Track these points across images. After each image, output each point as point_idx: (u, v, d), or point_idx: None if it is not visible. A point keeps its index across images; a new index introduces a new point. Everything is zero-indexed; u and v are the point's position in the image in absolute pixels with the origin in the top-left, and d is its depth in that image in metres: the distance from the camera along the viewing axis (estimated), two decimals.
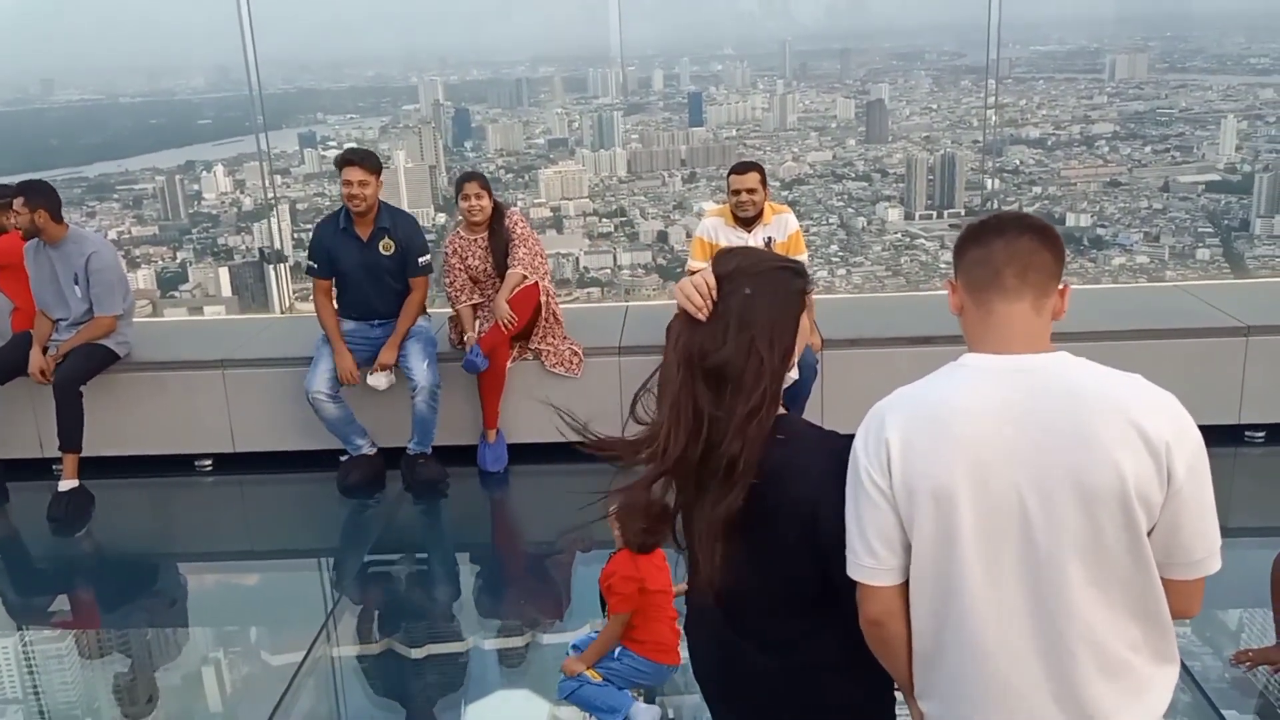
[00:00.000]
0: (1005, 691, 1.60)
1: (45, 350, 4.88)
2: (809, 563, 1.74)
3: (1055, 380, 1.58)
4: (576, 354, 5.00)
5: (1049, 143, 10.05)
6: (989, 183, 10.22)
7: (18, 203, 4.74)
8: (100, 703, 3.70)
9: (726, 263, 1.77)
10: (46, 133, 10.64)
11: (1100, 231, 9.75)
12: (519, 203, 11.62)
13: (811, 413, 4.71)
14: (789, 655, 1.81)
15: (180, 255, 11.13)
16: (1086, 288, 6.80)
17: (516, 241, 4.97)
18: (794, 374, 3.76)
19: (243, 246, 11.23)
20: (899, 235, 10.42)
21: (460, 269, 5.04)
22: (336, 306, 5.00)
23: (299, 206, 10.91)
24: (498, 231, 5.00)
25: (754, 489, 1.70)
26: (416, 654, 3.78)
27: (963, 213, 10.27)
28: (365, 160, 4.77)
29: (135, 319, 5.20)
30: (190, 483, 5.14)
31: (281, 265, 10.81)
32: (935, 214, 10.32)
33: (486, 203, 4.96)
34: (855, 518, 1.65)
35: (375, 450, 4.98)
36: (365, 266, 4.89)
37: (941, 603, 1.62)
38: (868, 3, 10.92)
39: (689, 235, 10.75)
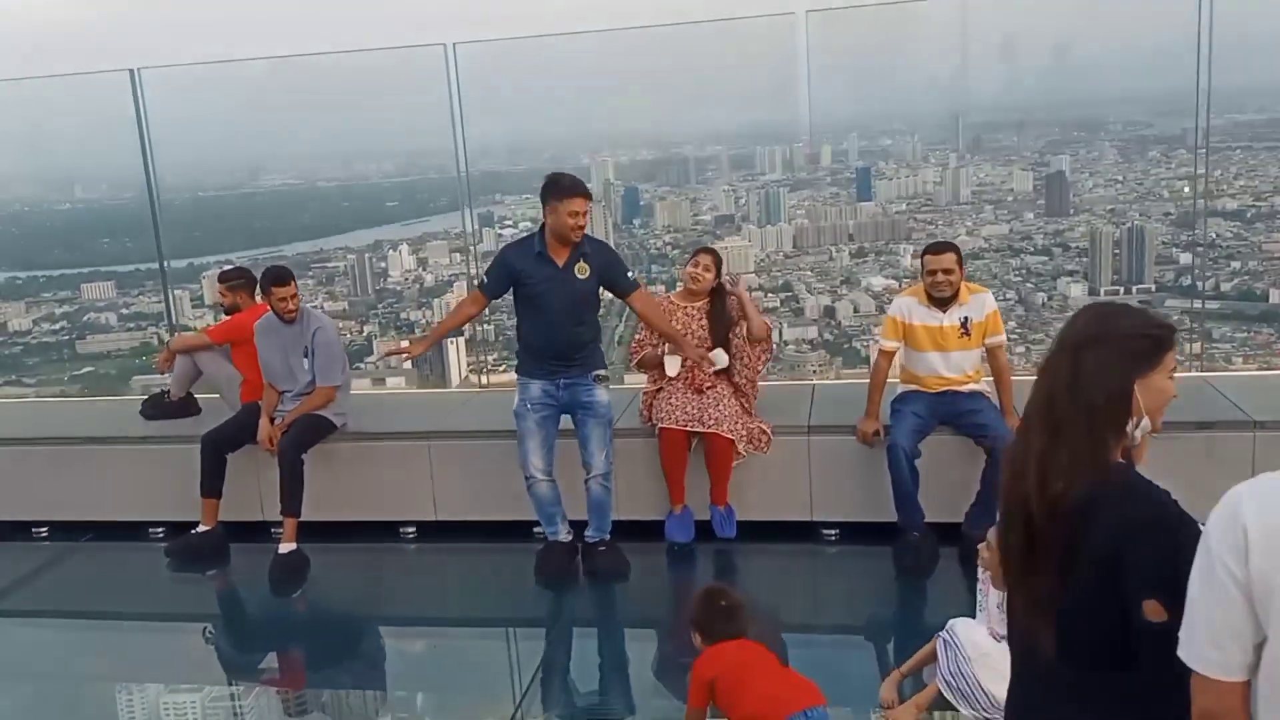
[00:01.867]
0: None
1: (272, 420, 5.19)
2: (1107, 610, 1.80)
3: None
4: (765, 432, 4.99)
5: (1248, 214, 9.57)
6: (1181, 257, 9.79)
7: (221, 287, 5.37)
8: None
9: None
10: (253, 215, 11.43)
11: None
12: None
13: None
14: (1083, 705, 1.88)
15: (366, 329, 11.71)
16: None
17: (736, 319, 5.07)
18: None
19: (423, 320, 11.76)
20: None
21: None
22: (520, 355, 4.92)
23: (475, 283, 11.33)
24: (719, 306, 5.03)
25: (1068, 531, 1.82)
26: None
27: (1153, 288, 9.85)
28: (586, 188, 4.69)
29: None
30: (395, 549, 5.33)
31: (460, 339, 11.26)
32: (1123, 289, 9.93)
33: (711, 277, 5.06)
34: (1203, 608, 1.58)
35: (570, 536, 4.97)
36: (559, 291, 4.69)
37: None
38: (1045, 74, 10.71)
39: (856, 310, 10.68)
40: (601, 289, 4.85)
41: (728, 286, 5.07)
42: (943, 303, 4.71)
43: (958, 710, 3.44)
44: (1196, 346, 9.57)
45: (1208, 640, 1.57)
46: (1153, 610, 1.75)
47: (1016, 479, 1.91)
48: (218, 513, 5.27)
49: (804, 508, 5.00)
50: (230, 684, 4.41)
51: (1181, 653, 1.60)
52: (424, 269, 12.16)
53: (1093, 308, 2.00)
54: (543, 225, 4.71)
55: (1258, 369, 7.68)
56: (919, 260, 4.79)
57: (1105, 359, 1.85)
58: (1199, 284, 9.39)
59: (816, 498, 4.99)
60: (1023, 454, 1.90)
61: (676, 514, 5.00)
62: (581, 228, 4.63)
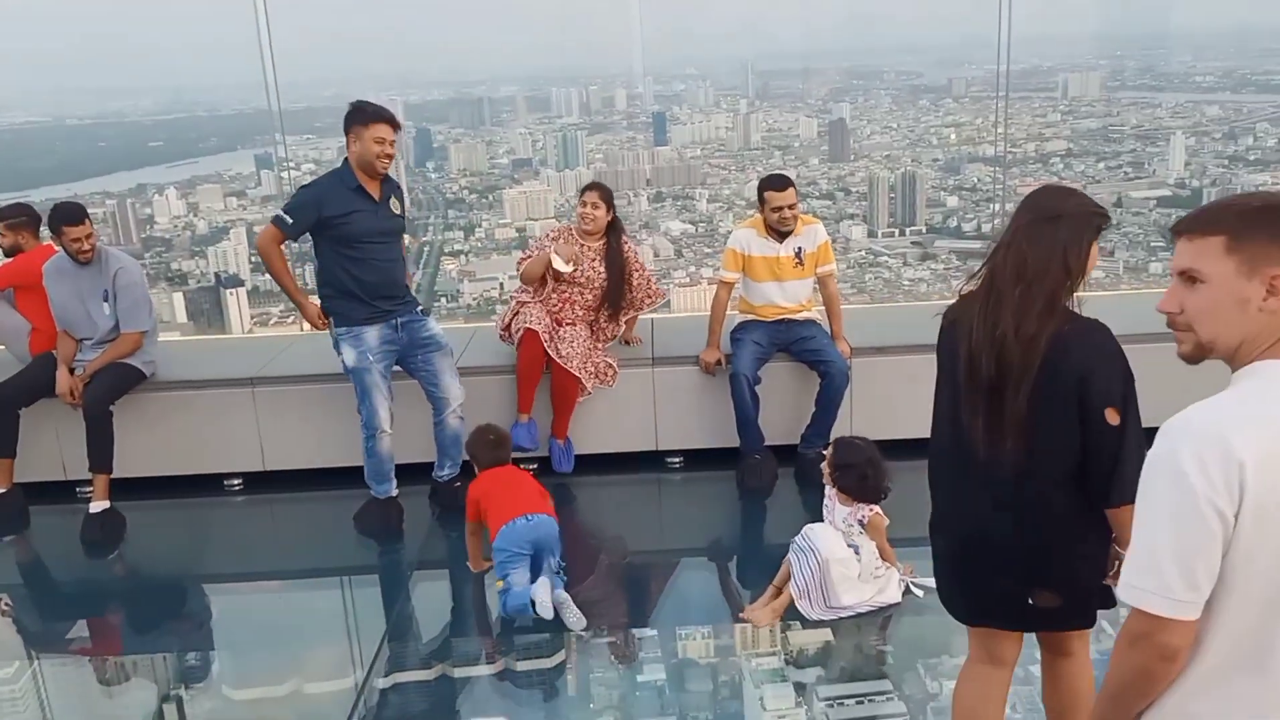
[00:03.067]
0: None
1: (71, 371, 4.70)
2: (1072, 424, 2.19)
3: None
4: (611, 366, 5.00)
5: (1006, 160, 10.43)
6: (949, 200, 10.58)
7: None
8: None
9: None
10: None
11: None
12: (484, 223, 11.59)
13: (841, 417, 4.81)
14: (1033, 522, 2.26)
15: None
16: None
17: (632, 268, 4.99)
18: None
19: (197, 270, 10.97)
20: (863, 253, 10.69)
21: (545, 247, 4.95)
22: (333, 303, 4.46)
23: (255, 229, 10.72)
24: (615, 247, 4.93)
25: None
26: (460, 673, 3.68)
27: (924, 230, 10.60)
28: (391, 115, 4.31)
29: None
30: (220, 502, 4.98)
31: (239, 289, 10.58)
32: (898, 231, 10.62)
33: (603, 215, 4.88)
34: (1176, 549, 1.50)
35: (396, 491, 4.71)
36: (381, 227, 4.39)
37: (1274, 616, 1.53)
38: (825, 25, 11.20)
39: (656, 254, 10.86)
40: None
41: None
42: (780, 234, 4.85)
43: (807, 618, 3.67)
44: (962, 283, 10.38)
45: (1182, 583, 1.50)
46: (1112, 415, 2.17)
47: (990, 324, 2.25)
48: (12, 474, 4.73)
49: (649, 438, 5.08)
50: (32, 658, 4.00)
51: (1144, 602, 1.52)
52: (195, 214, 11.34)
53: (1050, 189, 2.33)
54: (346, 159, 4.36)
55: None
56: (758, 194, 4.87)
57: (1075, 228, 2.22)
58: (964, 225, 10.25)
59: (661, 427, 5.07)
60: (996, 306, 2.25)
61: (523, 423, 4.92)
62: (390, 156, 4.32)
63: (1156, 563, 1.51)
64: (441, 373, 4.59)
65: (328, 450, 4.92)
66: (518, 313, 4.97)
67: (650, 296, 5.15)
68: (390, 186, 4.47)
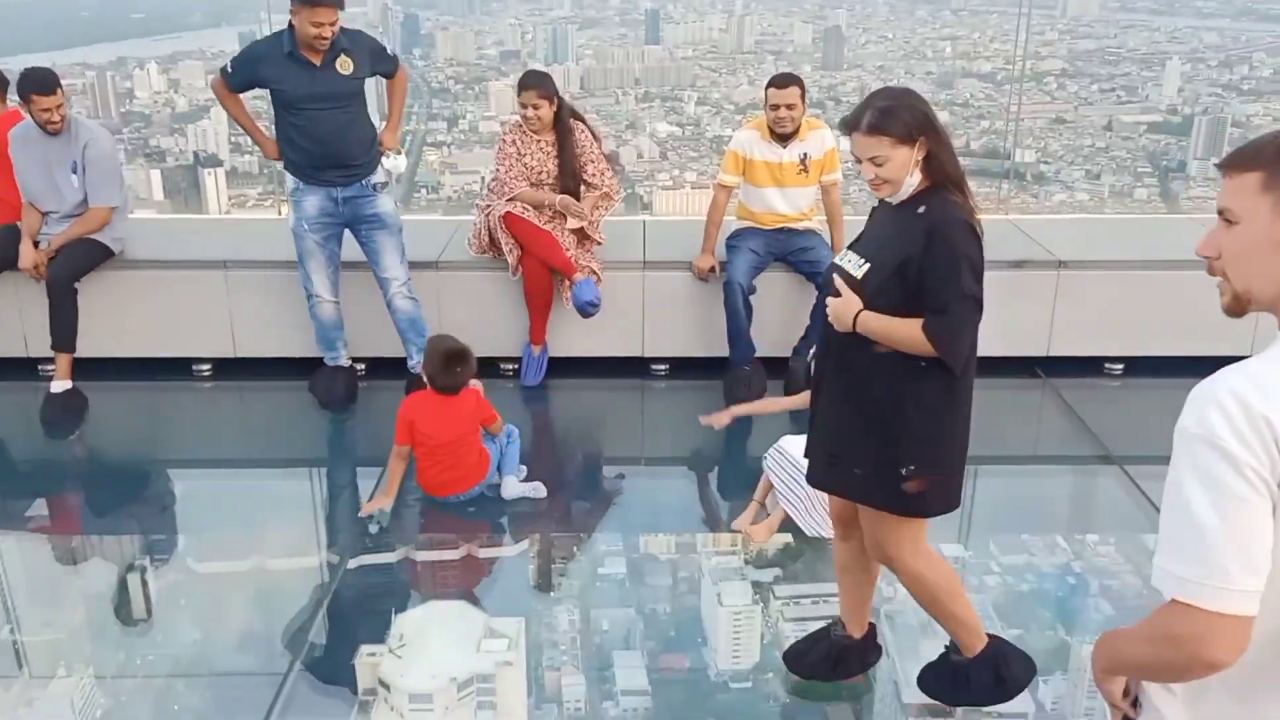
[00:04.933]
0: None
1: (36, 244, 4.67)
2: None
3: None
4: (595, 273, 4.88)
5: (999, 77, 10.29)
6: (941, 115, 10.47)
7: None
8: (85, 608, 3.56)
9: None
10: None
11: (1044, 168, 10.07)
12: (469, 115, 11.39)
13: None
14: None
15: None
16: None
17: (587, 158, 4.77)
18: None
19: (176, 149, 10.80)
20: (847, 164, 10.59)
21: (517, 160, 4.75)
22: (284, 164, 4.52)
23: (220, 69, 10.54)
24: (564, 138, 4.74)
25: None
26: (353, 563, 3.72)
27: None
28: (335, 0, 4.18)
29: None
30: (188, 387, 5.00)
31: (217, 169, 10.44)
32: None
33: (545, 112, 4.67)
34: (1226, 529, 1.29)
35: (350, 363, 4.77)
36: (320, 96, 4.31)
37: None
38: None
39: (640, 155, 10.74)
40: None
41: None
42: (783, 138, 4.73)
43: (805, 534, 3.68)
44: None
45: (1243, 570, 1.29)
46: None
47: None
48: None
49: (635, 343, 5.03)
50: None
51: (1197, 595, 1.30)
52: (176, 91, 11.11)
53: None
54: (290, 24, 4.24)
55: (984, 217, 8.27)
56: (763, 92, 4.72)
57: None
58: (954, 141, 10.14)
59: (648, 334, 5.01)
60: None
61: (535, 355, 4.84)
62: (326, 39, 4.21)
63: (1206, 547, 1.30)
64: (382, 251, 4.53)
65: (302, 339, 4.87)
66: (489, 214, 4.85)
67: (608, 195, 4.90)
68: (339, 48, 4.29)
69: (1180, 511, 1.33)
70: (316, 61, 4.27)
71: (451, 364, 3.80)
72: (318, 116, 4.34)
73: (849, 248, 2.60)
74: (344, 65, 4.32)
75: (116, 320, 4.85)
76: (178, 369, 4.99)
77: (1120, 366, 5.04)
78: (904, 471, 2.50)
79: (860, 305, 2.44)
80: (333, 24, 4.17)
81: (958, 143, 10.42)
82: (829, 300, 2.51)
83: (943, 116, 10.50)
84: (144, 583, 3.71)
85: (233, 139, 10.62)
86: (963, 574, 3.57)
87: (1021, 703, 2.88)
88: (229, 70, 4.42)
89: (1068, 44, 9.94)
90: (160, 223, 6.19)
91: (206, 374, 5.02)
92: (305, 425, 4.78)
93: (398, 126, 4.75)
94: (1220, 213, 1.47)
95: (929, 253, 2.39)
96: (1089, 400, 4.79)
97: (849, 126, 2.43)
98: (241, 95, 4.52)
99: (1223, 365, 1.39)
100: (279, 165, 4.66)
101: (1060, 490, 4.55)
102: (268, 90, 4.43)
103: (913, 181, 2.43)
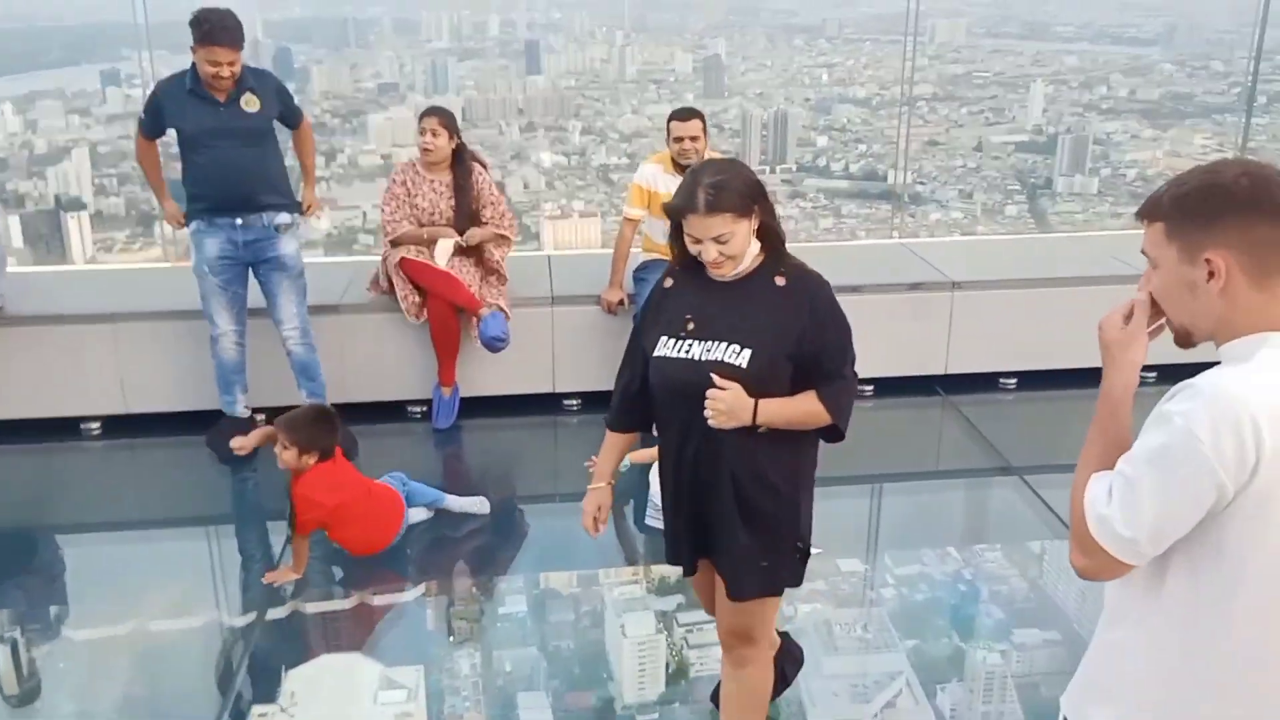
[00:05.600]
0: None
1: None
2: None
3: None
4: (503, 310, 4.83)
5: (874, 102, 10.63)
6: (819, 140, 10.73)
7: None
8: None
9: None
10: None
11: (919, 188, 10.43)
12: (346, 149, 11.15)
13: None
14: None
15: None
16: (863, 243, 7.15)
17: (485, 200, 4.74)
18: None
19: (35, 192, 10.25)
20: None
21: (405, 201, 4.69)
22: (187, 206, 4.42)
23: (100, 150, 10.08)
24: (462, 180, 4.69)
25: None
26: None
27: (794, 168, 10.75)
28: (232, 36, 4.10)
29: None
30: (76, 447, 4.73)
31: (81, 213, 9.95)
32: (768, 169, 10.74)
33: (444, 142, 4.65)
34: (1161, 509, 1.47)
35: (248, 412, 4.63)
36: (224, 132, 4.23)
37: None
38: None
39: (526, 185, 10.69)
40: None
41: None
42: (683, 168, 4.79)
43: None
44: (828, 221, 10.66)
45: (1150, 538, 1.49)
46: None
47: None
48: None
49: (546, 379, 5.02)
50: None
51: (1113, 544, 1.50)
52: (33, 132, 10.55)
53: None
54: (193, 62, 4.19)
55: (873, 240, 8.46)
56: (666, 125, 4.82)
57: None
58: (833, 165, 10.43)
59: (559, 369, 5.02)
60: None
61: (445, 397, 4.76)
62: (226, 78, 4.16)
63: (1137, 512, 1.48)
64: (277, 294, 4.45)
65: (196, 391, 4.70)
66: (386, 258, 4.78)
67: (505, 234, 4.89)
68: (244, 85, 4.25)
69: (1136, 473, 1.49)
70: (221, 98, 4.18)
71: (326, 425, 3.70)
72: (222, 153, 4.25)
73: (693, 338, 2.38)
74: (249, 103, 4.26)
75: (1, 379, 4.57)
76: (65, 429, 4.74)
77: (1014, 381, 5.24)
78: (800, 545, 2.46)
79: (749, 398, 2.28)
80: (231, 63, 4.10)
81: (838, 166, 10.81)
82: (711, 400, 2.28)
83: (822, 141, 10.82)
84: (15, 655, 3.48)
85: (96, 180, 10.15)
86: (860, 589, 3.65)
87: (921, 713, 2.95)
88: (141, 118, 4.38)
89: (937, 69, 10.33)
90: (30, 275, 5.87)
91: (96, 432, 4.78)
92: (203, 481, 4.59)
93: (314, 184, 4.64)
94: (1146, 256, 1.60)
95: (820, 324, 2.32)
96: (987, 415, 4.97)
97: (679, 211, 2.32)
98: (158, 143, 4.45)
99: None
100: (181, 229, 4.55)
101: (962, 503, 4.70)
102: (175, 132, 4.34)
103: (753, 251, 2.37)
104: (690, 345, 2.35)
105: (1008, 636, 3.39)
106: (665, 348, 2.38)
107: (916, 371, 5.05)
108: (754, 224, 2.32)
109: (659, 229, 4.85)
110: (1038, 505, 4.20)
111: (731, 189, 2.26)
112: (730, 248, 2.28)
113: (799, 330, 2.30)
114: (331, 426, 3.69)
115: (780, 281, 2.34)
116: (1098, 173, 9.33)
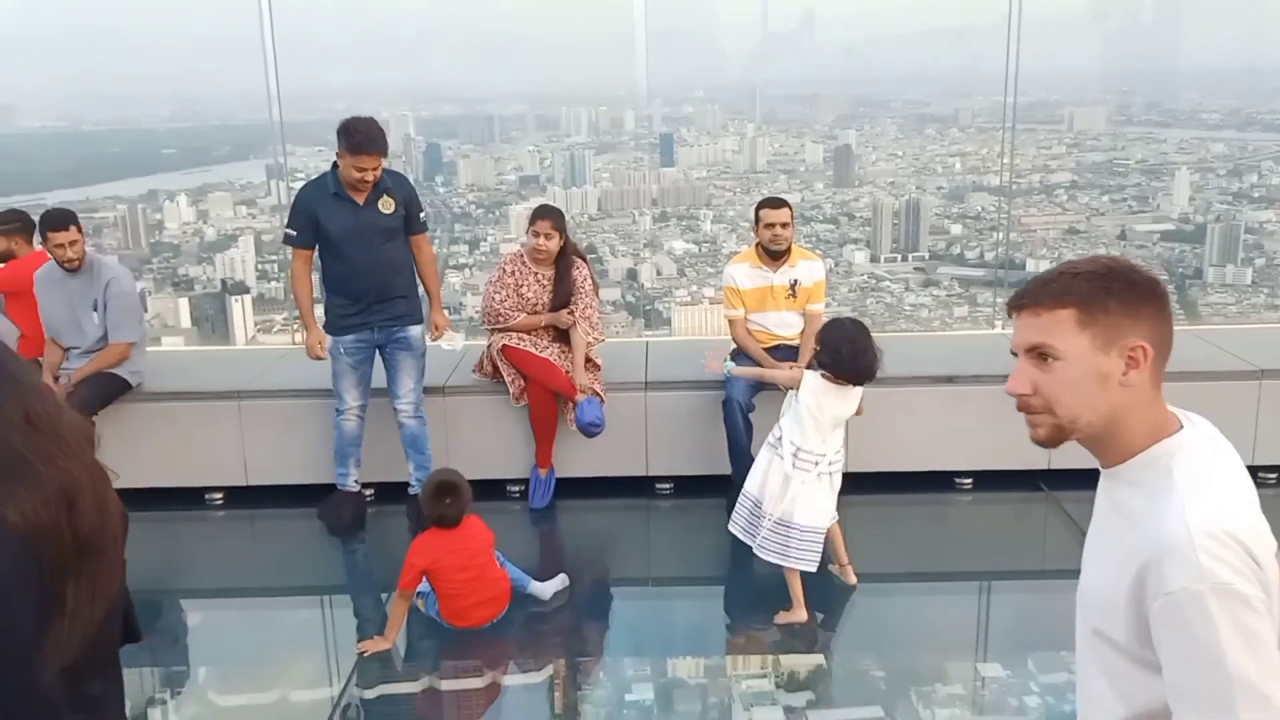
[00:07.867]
0: None
1: (56, 379, 4.77)
2: None
3: None
4: (599, 394, 4.91)
5: (1010, 190, 10.40)
6: (953, 228, 10.58)
7: None
8: None
9: None
10: (6, 159, 10.38)
11: None
12: (489, 237, 11.65)
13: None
14: None
15: (140, 285, 10.92)
16: None
17: (578, 292, 4.90)
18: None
19: (204, 276, 11.06)
20: (865, 277, 10.70)
21: (514, 291, 4.87)
22: (328, 309, 4.66)
23: (264, 238, 10.82)
24: (564, 273, 4.86)
25: None
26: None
27: (926, 255, 10.61)
28: (378, 146, 4.35)
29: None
30: (200, 516, 5.03)
31: (244, 296, 10.67)
32: (900, 257, 10.63)
33: (555, 244, 4.83)
34: (1265, 671, 1.29)
35: (358, 487, 4.82)
36: (362, 231, 4.44)
37: None
38: (833, 52, 11.24)
39: (659, 272, 10.90)
40: None
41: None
42: (774, 257, 4.87)
43: None
44: (963, 310, 10.41)
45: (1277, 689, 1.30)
46: None
47: None
48: None
49: (639, 463, 5.07)
50: None
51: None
52: (205, 222, 11.45)
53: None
54: (335, 165, 4.46)
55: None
56: (754, 214, 4.94)
57: None
58: (966, 253, 10.24)
59: (652, 453, 5.07)
60: None
61: (541, 478, 4.88)
62: (369, 183, 4.40)
63: (1253, 694, 1.27)
64: (399, 370, 4.64)
65: (312, 466, 4.95)
66: (494, 358, 4.93)
67: (590, 330, 4.93)
68: (382, 188, 4.47)
69: (1215, 668, 1.28)
70: (360, 200, 4.42)
71: (442, 495, 3.78)
72: (360, 253, 4.48)
73: None
74: (385, 205, 4.51)
75: (132, 451, 4.91)
76: (191, 498, 5.03)
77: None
78: None
79: None
80: (375, 169, 4.35)
81: (972, 254, 10.54)
82: None
83: (955, 229, 10.62)
84: (165, 717, 3.65)
85: (259, 266, 10.88)
86: (1002, 696, 3.44)
87: None
88: (292, 234, 4.54)
89: (1075, 157, 10.08)
90: (181, 355, 6.34)
91: (219, 503, 5.05)
92: (315, 552, 4.77)
93: (439, 305, 4.84)
94: (1030, 350, 1.47)
95: None
96: (1090, 513, 4.71)
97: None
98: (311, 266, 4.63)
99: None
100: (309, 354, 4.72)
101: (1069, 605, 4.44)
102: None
103: None
104: None
105: None
106: None
107: (1018, 465, 4.86)
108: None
109: (749, 319, 4.97)
110: None
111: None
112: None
113: None
114: (440, 496, 3.78)
115: None
116: (1251, 262, 8.84)
